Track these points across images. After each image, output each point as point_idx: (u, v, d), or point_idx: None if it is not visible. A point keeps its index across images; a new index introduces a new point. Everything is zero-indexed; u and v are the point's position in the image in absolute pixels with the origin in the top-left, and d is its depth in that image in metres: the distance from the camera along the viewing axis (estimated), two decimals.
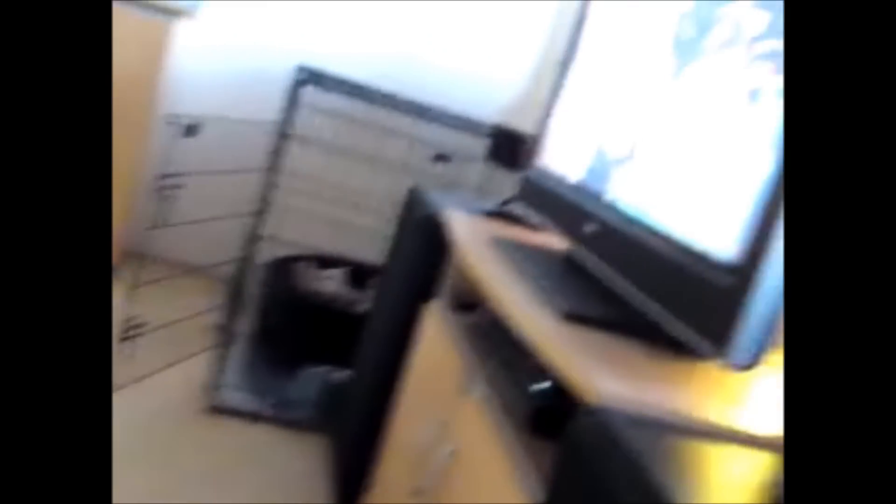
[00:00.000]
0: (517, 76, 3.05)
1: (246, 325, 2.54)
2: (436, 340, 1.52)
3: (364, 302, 2.55)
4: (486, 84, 3.01)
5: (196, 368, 2.32)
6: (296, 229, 2.63)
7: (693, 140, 1.02)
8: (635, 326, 1.02)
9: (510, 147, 1.98)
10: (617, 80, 1.33)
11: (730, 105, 0.95)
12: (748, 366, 0.80)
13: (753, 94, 0.91)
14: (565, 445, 0.81)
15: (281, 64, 2.41)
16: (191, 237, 2.50)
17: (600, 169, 1.28)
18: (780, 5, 0.89)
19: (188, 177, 2.20)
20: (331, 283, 2.64)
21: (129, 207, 2.79)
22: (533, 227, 1.65)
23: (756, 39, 0.94)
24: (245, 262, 2.30)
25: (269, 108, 2.35)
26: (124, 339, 2.14)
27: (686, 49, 1.10)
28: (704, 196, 0.95)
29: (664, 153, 1.08)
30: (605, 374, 0.89)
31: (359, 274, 2.71)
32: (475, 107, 2.45)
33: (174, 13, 2.65)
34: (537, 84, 2.89)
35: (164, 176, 2.18)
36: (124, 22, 2.59)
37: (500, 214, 1.75)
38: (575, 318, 1.04)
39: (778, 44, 0.88)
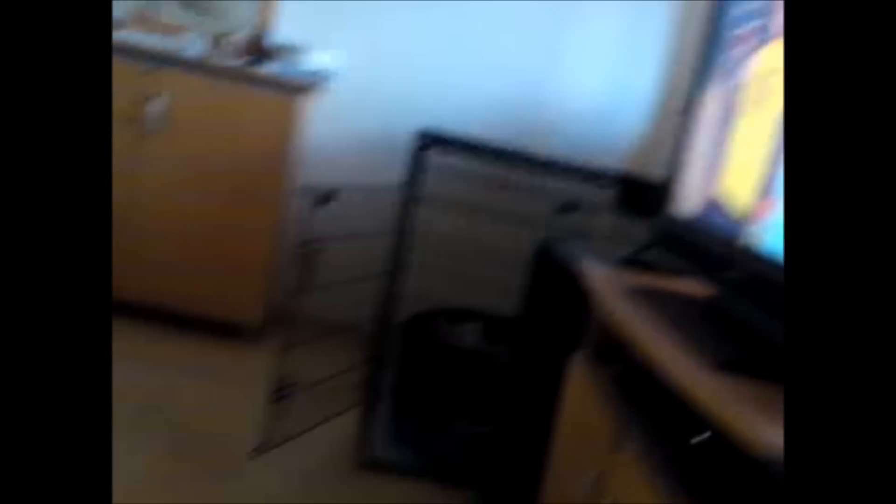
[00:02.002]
0: (641, 122, 3.07)
1: (389, 381, 2.62)
2: (583, 392, 1.54)
3: (501, 355, 2.59)
4: (610, 133, 3.04)
5: (345, 425, 2.41)
6: (430, 286, 2.71)
7: None
8: None
9: (639, 194, 2.00)
10: (743, 122, 1.35)
11: None
12: None
13: None
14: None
15: (406, 128, 2.52)
16: (333, 299, 2.62)
17: (736, 212, 1.29)
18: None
19: (326, 242, 2.32)
20: (467, 337, 2.70)
21: (272, 274, 2.95)
22: (670, 275, 1.66)
23: None
24: (384, 320, 2.39)
25: (398, 171, 2.45)
26: (276, 400, 2.25)
27: None
28: None
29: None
30: (768, 425, 0.90)
31: (494, 327, 2.76)
32: (600, 156, 2.49)
33: (301, 89, 2.81)
34: (662, 129, 2.89)
35: (304, 243, 2.31)
36: (255, 101, 2.77)
37: (635, 263, 1.77)
38: (731, 366, 1.05)
39: None
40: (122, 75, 2.71)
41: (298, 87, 2.80)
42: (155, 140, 2.75)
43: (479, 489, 2.21)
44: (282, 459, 2.20)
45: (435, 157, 2.42)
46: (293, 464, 2.20)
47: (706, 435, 1.07)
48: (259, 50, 2.98)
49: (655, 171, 1.74)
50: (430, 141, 2.36)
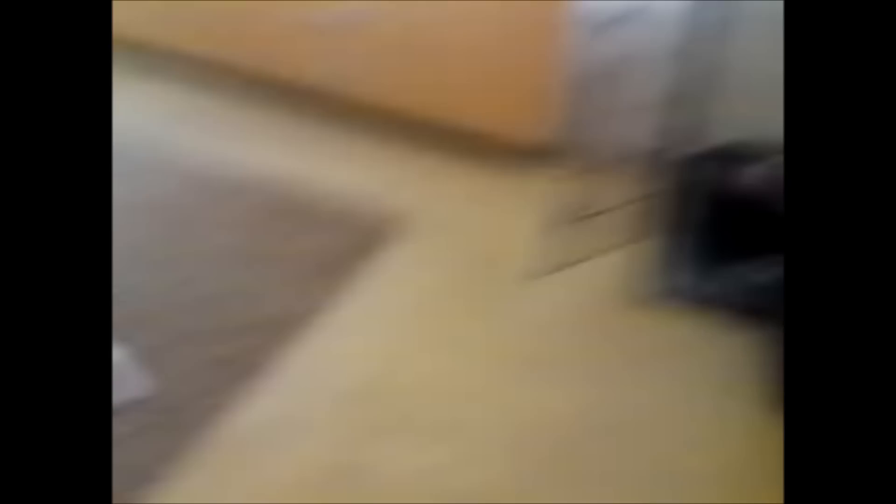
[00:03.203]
0: None
1: (670, 217, 2.52)
2: None
3: None
4: None
5: (622, 258, 2.37)
6: (723, 118, 2.51)
7: None
8: None
9: None
10: None
11: None
12: None
13: None
14: None
15: None
16: (616, 129, 2.52)
17: None
18: None
19: (612, 68, 2.21)
20: (760, 177, 2.49)
21: (557, 100, 2.89)
22: None
23: None
24: (668, 153, 2.27)
25: None
26: (554, 227, 2.26)
27: None
28: None
29: None
30: None
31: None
32: None
33: None
34: None
35: (589, 67, 2.21)
36: None
37: None
38: None
39: None
40: None
41: None
42: None
43: (760, 335, 2.10)
44: (556, 287, 2.22)
45: None
46: (566, 292, 2.22)
47: None
48: None
49: None
50: None
